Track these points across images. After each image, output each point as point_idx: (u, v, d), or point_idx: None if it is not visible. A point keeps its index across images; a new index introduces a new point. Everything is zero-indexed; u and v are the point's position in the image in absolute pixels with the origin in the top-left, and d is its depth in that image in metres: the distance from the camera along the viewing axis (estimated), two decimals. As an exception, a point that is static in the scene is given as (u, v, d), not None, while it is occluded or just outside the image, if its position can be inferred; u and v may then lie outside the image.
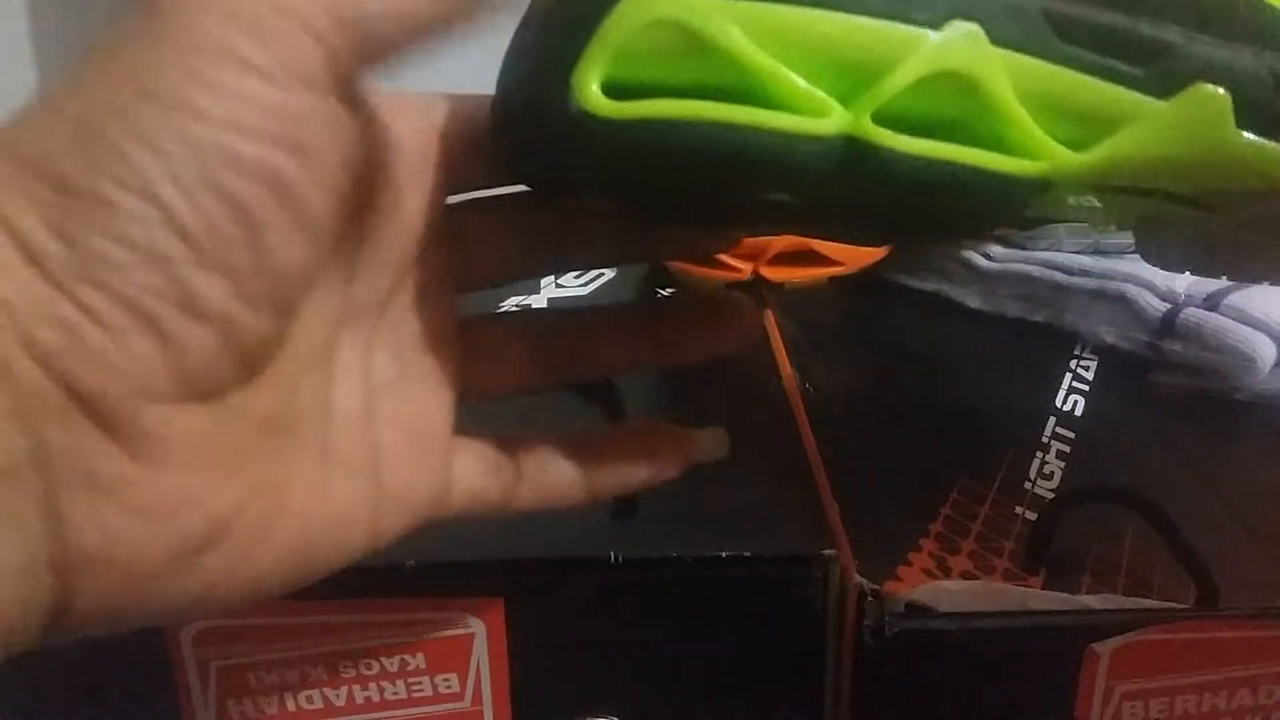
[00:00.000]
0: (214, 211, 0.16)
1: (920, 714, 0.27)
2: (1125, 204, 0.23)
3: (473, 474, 0.23)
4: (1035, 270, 0.44)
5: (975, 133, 0.19)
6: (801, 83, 0.18)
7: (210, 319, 0.16)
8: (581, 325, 0.25)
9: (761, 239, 0.45)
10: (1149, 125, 0.19)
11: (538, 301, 0.45)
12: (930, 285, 0.47)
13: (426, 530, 0.29)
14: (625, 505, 0.30)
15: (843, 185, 0.19)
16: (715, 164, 0.18)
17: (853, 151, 0.18)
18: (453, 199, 0.22)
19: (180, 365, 0.16)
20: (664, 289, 0.47)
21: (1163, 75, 0.19)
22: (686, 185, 0.20)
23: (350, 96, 0.17)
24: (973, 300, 0.46)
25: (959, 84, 0.18)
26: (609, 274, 0.49)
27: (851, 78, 0.18)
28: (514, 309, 0.44)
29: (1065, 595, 0.27)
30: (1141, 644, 0.26)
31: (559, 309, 0.25)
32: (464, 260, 0.23)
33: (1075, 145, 0.19)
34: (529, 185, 0.22)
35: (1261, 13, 0.19)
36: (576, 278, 0.48)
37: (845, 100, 0.18)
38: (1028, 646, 0.27)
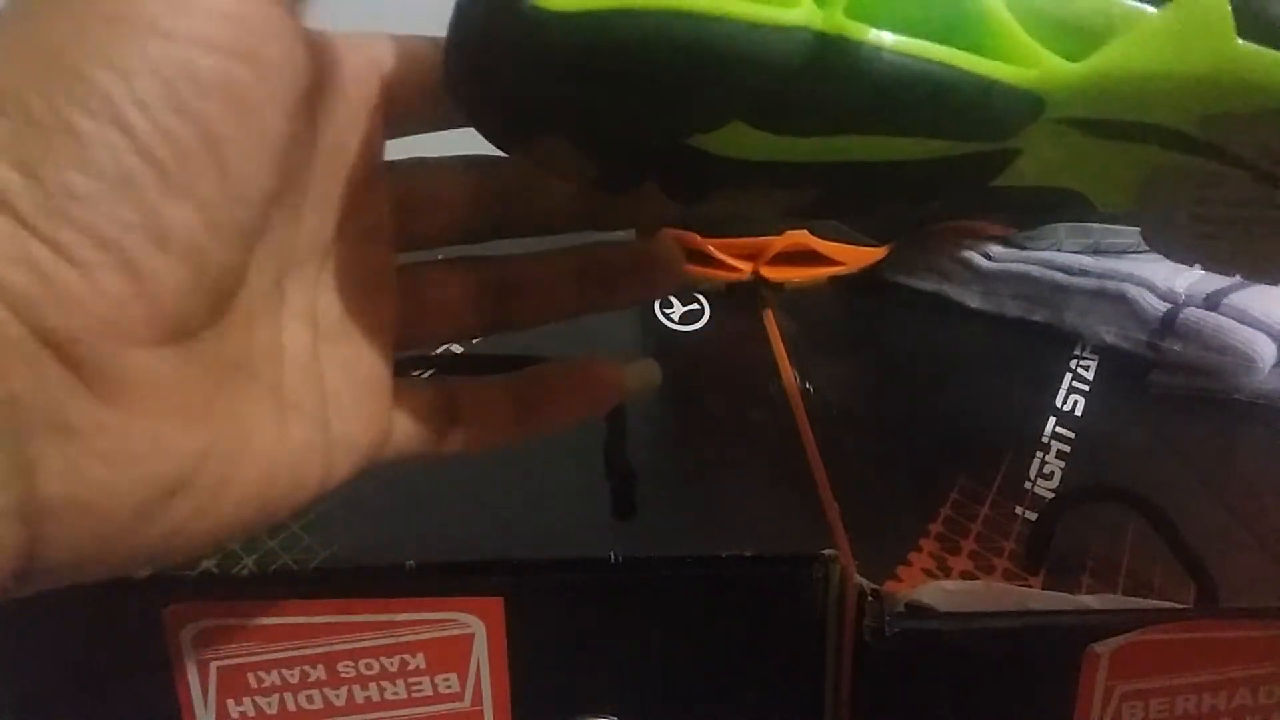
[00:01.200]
0: (179, 132, 0.15)
1: (920, 714, 0.27)
2: (1123, 155, 0.22)
3: (412, 417, 0.23)
4: (1035, 270, 0.44)
5: (958, 37, 0.18)
6: None
7: (182, 251, 0.16)
8: (515, 270, 0.25)
9: (761, 239, 0.45)
10: (1144, 34, 0.18)
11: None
12: (930, 285, 0.47)
13: (426, 531, 0.29)
14: (625, 505, 0.30)
15: (812, 85, 0.17)
16: (676, 57, 0.17)
17: (823, 46, 0.17)
18: (402, 160, 0.23)
19: (153, 303, 0.16)
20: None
21: None
22: (646, 85, 0.18)
23: (294, 8, 0.17)
24: (973, 300, 0.45)
25: None
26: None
27: None
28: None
29: (1065, 595, 0.27)
30: (1142, 644, 0.26)
31: (493, 255, 0.25)
32: (409, 215, 0.23)
33: (1067, 56, 0.18)
34: (485, 121, 0.21)
35: None
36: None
37: None
38: (1028, 647, 0.27)
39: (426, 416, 0.24)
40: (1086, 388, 0.38)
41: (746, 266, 0.46)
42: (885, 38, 0.17)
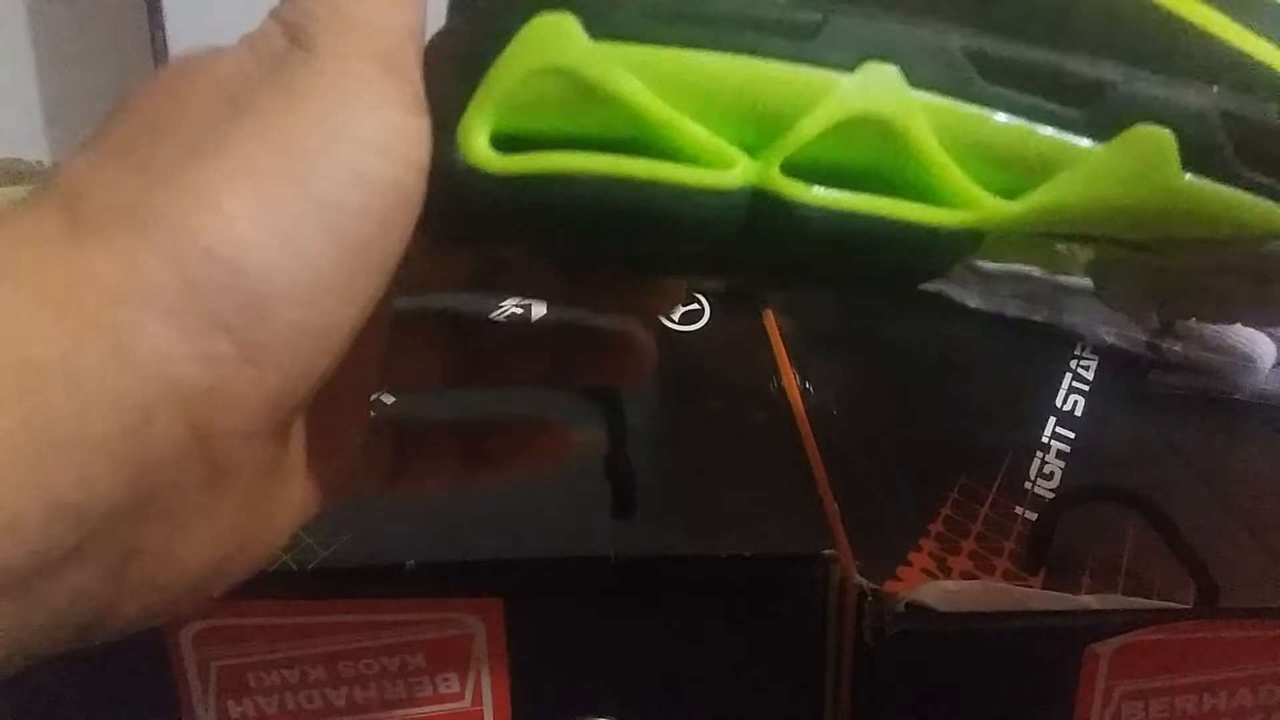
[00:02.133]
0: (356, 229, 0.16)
1: (920, 714, 0.27)
2: (1068, 247, 0.23)
3: (365, 458, 0.23)
4: (1035, 270, 0.44)
5: (896, 182, 0.17)
6: (703, 132, 0.16)
7: (327, 352, 0.16)
8: (490, 333, 0.25)
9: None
10: (1085, 170, 0.17)
11: (537, 308, 0.45)
12: (930, 285, 0.47)
13: (426, 530, 0.29)
14: (625, 505, 0.30)
15: (753, 241, 0.17)
16: (612, 219, 0.17)
17: (761, 205, 0.17)
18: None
19: (287, 397, 0.16)
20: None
21: (1100, 117, 0.17)
22: (586, 240, 0.19)
23: None
24: (973, 300, 0.45)
25: (876, 130, 0.17)
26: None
27: (758, 126, 0.17)
28: (513, 310, 0.44)
29: (1065, 595, 0.27)
30: (1142, 644, 0.26)
31: (471, 316, 0.25)
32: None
33: (1006, 193, 0.18)
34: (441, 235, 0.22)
35: (1211, 45, 0.18)
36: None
37: (753, 150, 0.17)
38: (1028, 647, 0.27)
39: (379, 459, 0.24)
40: (1086, 388, 0.38)
41: (746, 266, 0.46)
42: (823, 194, 0.17)
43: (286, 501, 0.19)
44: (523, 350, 0.25)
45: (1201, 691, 0.27)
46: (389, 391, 0.25)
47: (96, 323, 0.14)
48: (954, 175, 0.17)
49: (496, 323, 0.26)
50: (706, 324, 0.44)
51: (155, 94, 0.16)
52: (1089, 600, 0.27)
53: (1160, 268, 0.23)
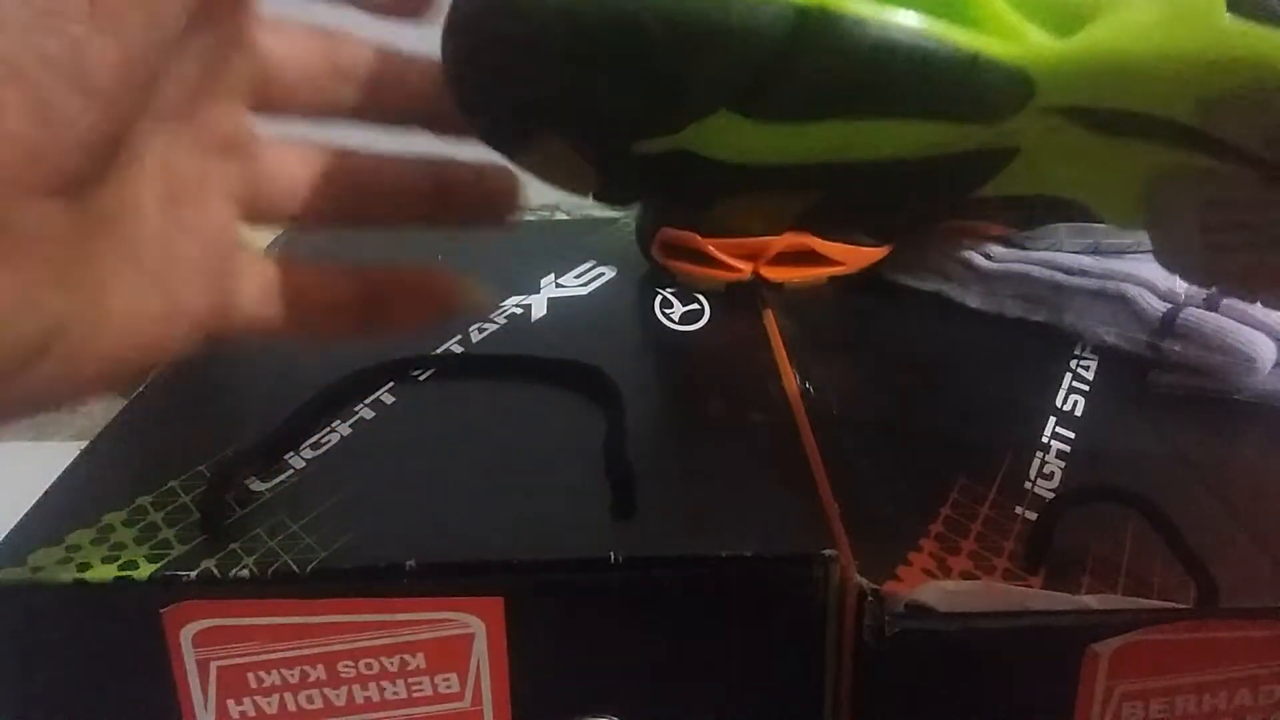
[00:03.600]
0: None
1: (920, 714, 0.27)
2: (1124, 155, 0.22)
3: (254, 294, 0.23)
4: (1035, 270, 0.44)
5: (942, 11, 0.17)
6: None
7: (98, 93, 0.15)
8: (363, 164, 0.25)
9: (761, 239, 0.45)
10: (1132, 12, 0.17)
11: (537, 302, 0.45)
12: (930, 285, 0.47)
13: (426, 530, 0.29)
14: (625, 505, 0.30)
15: (796, 59, 0.17)
16: (659, 30, 0.17)
17: (805, 18, 0.17)
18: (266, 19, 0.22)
19: (59, 151, 0.15)
20: (664, 288, 0.47)
21: None
22: (633, 61, 0.18)
23: None
24: (973, 300, 0.45)
25: None
26: (609, 274, 0.49)
27: None
28: (513, 310, 0.44)
29: (1065, 595, 0.27)
30: (1141, 644, 0.26)
31: (349, 149, 0.25)
32: (268, 79, 0.22)
33: (1054, 35, 0.17)
34: (484, 116, 0.21)
35: None
36: (576, 277, 0.48)
37: None
38: (1028, 647, 0.27)
39: (270, 294, 0.23)
40: (1086, 388, 0.38)
41: (746, 266, 0.46)
42: (866, 9, 0.17)
43: (137, 305, 0.19)
44: (395, 183, 0.25)
45: (1201, 691, 0.27)
46: (270, 226, 0.24)
47: None
48: (1000, 7, 0.17)
49: (361, 153, 0.25)
50: (706, 324, 0.44)
51: None
52: (1089, 600, 0.27)
53: (1214, 198, 0.22)
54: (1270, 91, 0.18)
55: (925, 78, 0.17)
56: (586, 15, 0.17)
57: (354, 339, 0.25)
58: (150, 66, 0.16)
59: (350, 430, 0.34)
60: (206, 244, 0.21)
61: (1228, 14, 0.17)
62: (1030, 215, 0.45)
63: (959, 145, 0.21)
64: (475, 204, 0.26)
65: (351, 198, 0.25)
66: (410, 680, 0.28)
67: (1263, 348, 0.37)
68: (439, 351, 0.40)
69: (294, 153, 0.24)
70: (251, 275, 0.23)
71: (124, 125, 0.16)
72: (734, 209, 0.25)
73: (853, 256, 0.47)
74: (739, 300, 0.46)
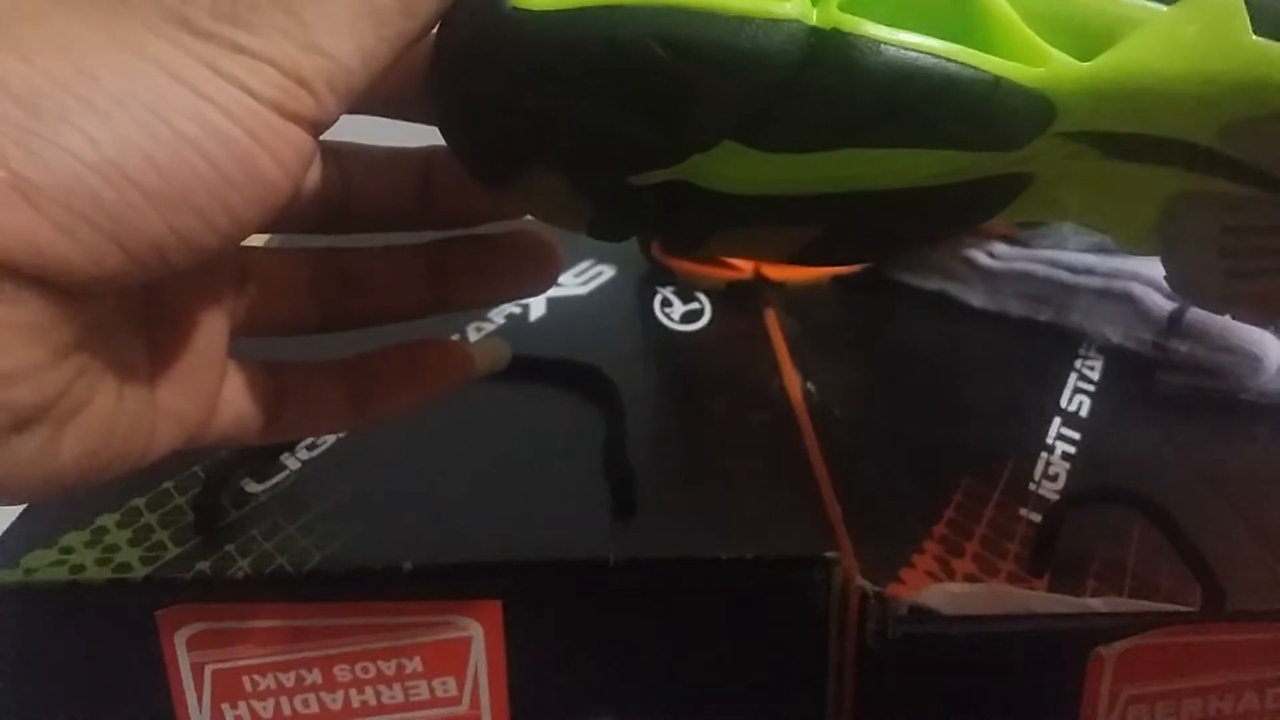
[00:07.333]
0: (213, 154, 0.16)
1: (923, 717, 0.27)
2: (1141, 180, 0.21)
3: (238, 399, 0.23)
4: (1040, 269, 0.43)
5: (960, 33, 0.17)
6: None
7: (145, 254, 0.16)
8: (354, 262, 0.25)
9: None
10: (1155, 33, 0.17)
11: (536, 301, 0.45)
12: (934, 284, 0.47)
13: (424, 532, 0.29)
14: (625, 505, 0.30)
15: (808, 84, 0.17)
16: (661, 57, 0.16)
17: (818, 41, 0.16)
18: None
19: (96, 265, 0.15)
20: (665, 286, 0.47)
21: None
22: (633, 90, 0.17)
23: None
24: (977, 299, 0.45)
25: None
26: (608, 273, 0.48)
27: None
28: (496, 323, 0.44)
29: (1070, 598, 0.27)
30: (1147, 647, 0.26)
31: (331, 246, 0.25)
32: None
33: (1075, 57, 0.17)
34: (473, 149, 0.20)
35: None
36: (576, 277, 0.48)
37: None
38: (1032, 650, 0.26)
39: (253, 401, 0.23)
40: (1092, 388, 0.38)
41: (747, 265, 0.46)
42: (882, 31, 0.16)
43: (119, 403, 0.19)
44: (389, 277, 0.25)
45: (1207, 695, 0.27)
46: (263, 335, 0.24)
47: None
48: (1020, 27, 0.17)
49: (350, 251, 0.25)
50: (707, 324, 0.44)
51: None
52: (1094, 603, 0.27)
53: (1232, 223, 0.22)
54: None
55: (943, 102, 0.17)
56: (588, 45, 0.16)
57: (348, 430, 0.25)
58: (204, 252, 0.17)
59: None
60: (192, 352, 0.21)
61: (1252, 35, 0.17)
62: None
63: (972, 173, 0.20)
64: (496, 284, 0.25)
65: (344, 301, 0.25)
66: (408, 684, 0.28)
67: (1269, 347, 0.37)
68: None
69: (277, 258, 0.24)
70: (237, 383, 0.23)
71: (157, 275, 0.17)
72: (731, 242, 0.24)
73: (855, 255, 0.46)
74: (740, 299, 0.46)
